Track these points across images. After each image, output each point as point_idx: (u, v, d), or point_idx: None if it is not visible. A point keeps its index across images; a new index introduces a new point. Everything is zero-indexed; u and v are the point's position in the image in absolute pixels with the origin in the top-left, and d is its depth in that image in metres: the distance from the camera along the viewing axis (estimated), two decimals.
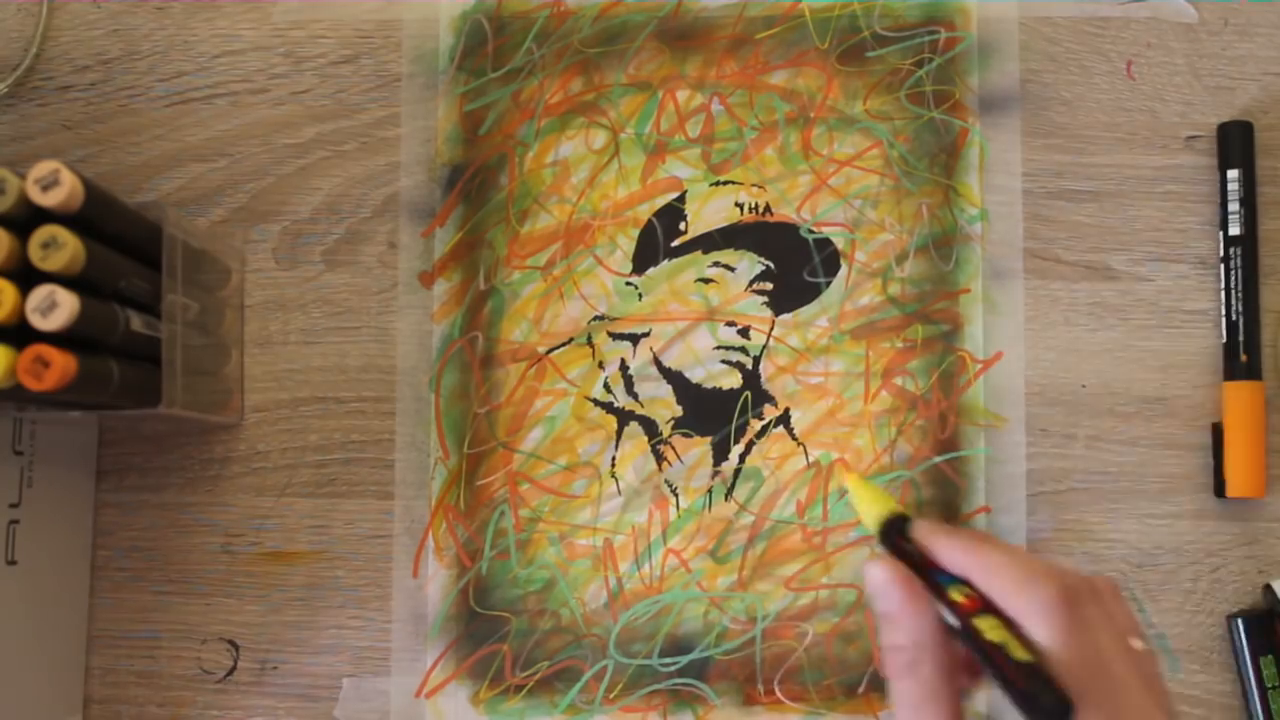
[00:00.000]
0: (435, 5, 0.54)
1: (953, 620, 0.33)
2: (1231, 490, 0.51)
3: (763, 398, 0.53)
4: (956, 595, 0.33)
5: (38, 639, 0.49)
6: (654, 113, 0.54)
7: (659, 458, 0.52)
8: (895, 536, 0.36)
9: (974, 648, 0.32)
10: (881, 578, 0.35)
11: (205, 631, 0.52)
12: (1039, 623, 0.33)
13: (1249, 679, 0.50)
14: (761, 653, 0.51)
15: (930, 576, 0.34)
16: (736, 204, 0.53)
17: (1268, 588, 0.51)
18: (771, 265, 0.53)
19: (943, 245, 0.53)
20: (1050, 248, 0.53)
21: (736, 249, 0.53)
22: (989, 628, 0.32)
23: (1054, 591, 0.33)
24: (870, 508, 0.37)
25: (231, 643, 0.52)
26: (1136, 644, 0.34)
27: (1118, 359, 0.52)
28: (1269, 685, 0.50)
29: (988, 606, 0.33)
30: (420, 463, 0.53)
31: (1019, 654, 0.31)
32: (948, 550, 0.35)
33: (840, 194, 0.53)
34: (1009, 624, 0.33)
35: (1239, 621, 0.50)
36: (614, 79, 0.54)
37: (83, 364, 0.40)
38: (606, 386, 0.53)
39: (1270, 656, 0.50)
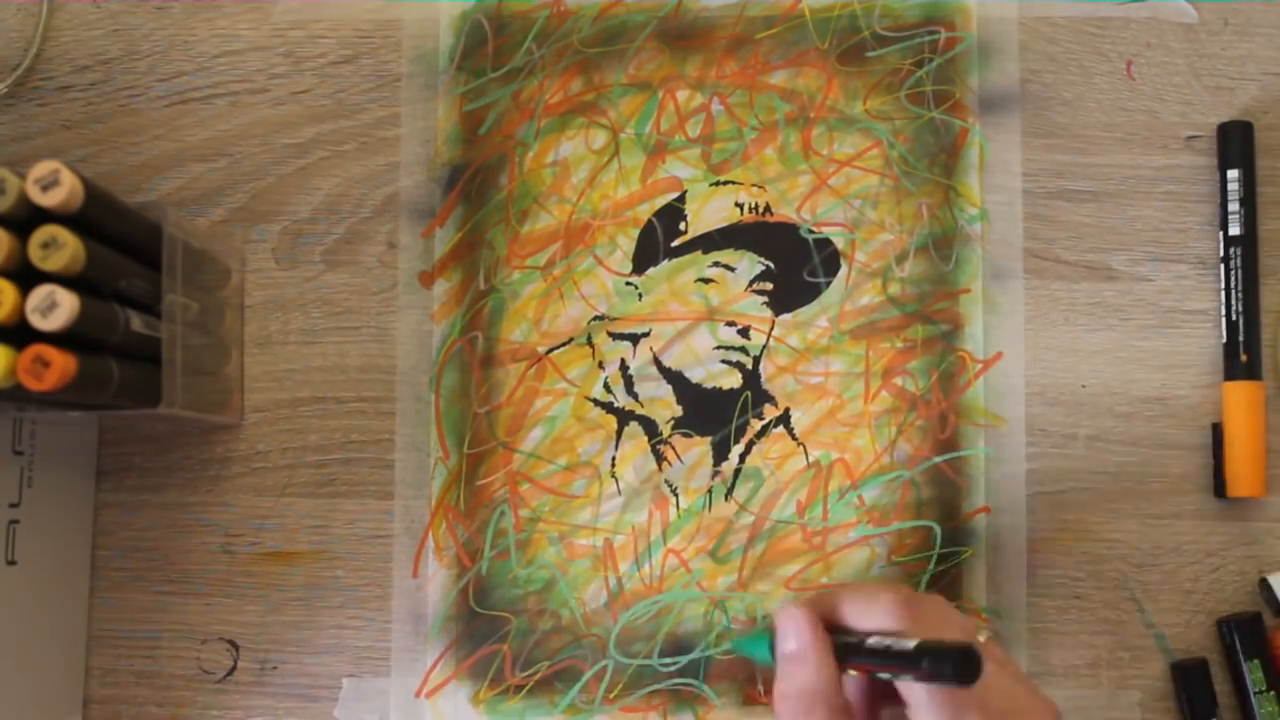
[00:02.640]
0: (435, 5, 0.54)
1: (865, 639, 0.37)
2: (1231, 490, 0.51)
3: (763, 398, 0.53)
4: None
5: (38, 639, 0.49)
6: (654, 113, 0.54)
7: (659, 458, 0.52)
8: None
9: (878, 662, 0.36)
10: (793, 615, 0.38)
11: (205, 631, 0.52)
12: (887, 625, 0.37)
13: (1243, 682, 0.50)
14: None
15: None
16: (736, 204, 0.53)
17: (1264, 582, 0.51)
18: (771, 265, 0.53)
19: (943, 245, 0.53)
20: (1050, 248, 0.53)
21: (736, 249, 0.53)
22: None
23: (892, 598, 0.37)
24: (759, 647, 0.41)
25: (231, 643, 0.52)
26: (980, 636, 0.37)
27: (1118, 359, 0.52)
28: (1256, 690, 0.50)
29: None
30: (420, 463, 0.53)
31: (908, 645, 0.34)
32: (830, 608, 0.39)
33: (840, 194, 0.53)
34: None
35: (1229, 626, 0.50)
36: (614, 79, 0.54)
37: (83, 364, 0.40)
38: (606, 386, 0.53)
39: (1257, 660, 0.50)
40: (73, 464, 0.52)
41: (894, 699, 0.38)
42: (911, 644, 0.34)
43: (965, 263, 0.53)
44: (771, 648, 0.39)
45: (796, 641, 0.37)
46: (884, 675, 0.36)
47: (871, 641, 0.36)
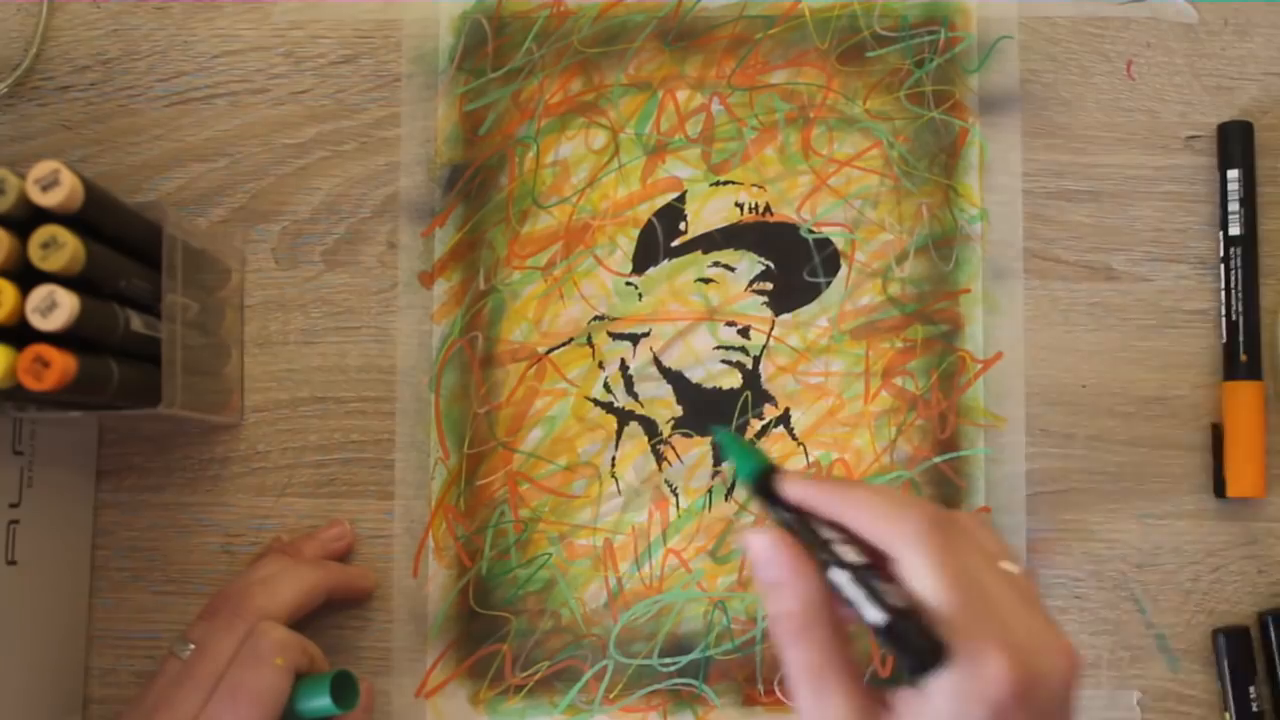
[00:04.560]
0: (435, 5, 0.54)
1: (835, 573, 0.33)
2: (1231, 490, 0.51)
3: (763, 398, 0.53)
4: (832, 543, 0.34)
5: (38, 639, 0.49)
6: (654, 113, 0.54)
7: (659, 458, 0.52)
8: (768, 490, 0.35)
9: (853, 595, 0.32)
10: (764, 546, 0.34)
11: None
12: (910, 549, 0.33)
13: (1226, 692, 0.50)
14: (761, 653, 0.51)
15: (805, 526, 0.34)
16: (736, 204, 0.53)
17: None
18: (771, 265, 0.53)
19: (943, 245, 0.53)
20: (1050, 248, 0.53)
21: (736, 249, 0.53)
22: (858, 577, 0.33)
23: (922, 519, 0.33)
24: (743, 462, 0.36)
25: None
26: (1009, 567, 0.35)
27: (1118, 359, 0.52)
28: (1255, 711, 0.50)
29: (863, 550, 0.34)
30: (420, 463, 0.53)
31: (894, 600, 0.32)
32: (818, 498, 0.35)
33: (840, 194, 0.53)
34: (883, 564, 0.33)
35: (1221, 637, 0.51)
36: (614, 79, 0.54)
37: (83, 364, 0.40)
38: (606, 386, 0.53)
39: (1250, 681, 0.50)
40: (73, 464, 0.52)
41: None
42: (882, 616, 0.32)
43: (965, 263, 0.53)
44: (754, 476, 0.36)
45: (773, 573, 0.34)
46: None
47: (839, 580, 0.33)
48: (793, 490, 0.35)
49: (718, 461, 0.52)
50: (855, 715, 0.34)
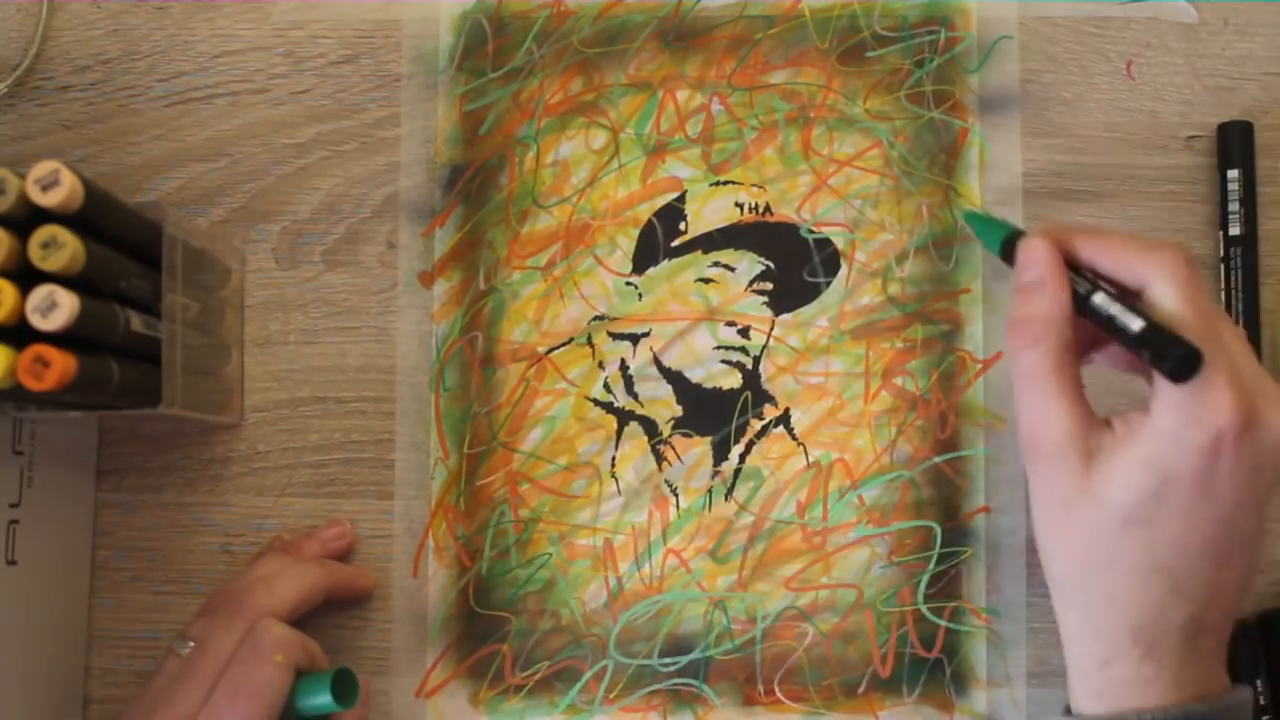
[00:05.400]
0: (435, 5, 0.54)
1: (1098, 297, 0.36)
2: None
3: (763, 398, 0.53)
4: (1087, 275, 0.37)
5: (38, 639, 0.49)
6: (654, 113, 0.54)
7: (659, 458, 0.52)
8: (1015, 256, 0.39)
9: (1110, 315, 0.35)
10: (1037, 246, 0.37)
11: None
12: (1163, 279, 0.35)
13: None
14: (761, 653, 0.51)
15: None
16: (736, 204, 0.53)
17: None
18: (771, 265, 0.53)
19: (943, 245, 0.53)
20: None
21: (736, 249, 0.53)
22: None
23: (1177, 255, 0.36)
24: (990, 235, 0.41)
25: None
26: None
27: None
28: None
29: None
30: (420, 463, 0.53)
31: (1153, 316, 0.34)
32: (1071, 244, 0.38)
33: (840, 194, 0.53)
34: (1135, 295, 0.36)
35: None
36: (614, 79, 0.54)
37: (83, 364, 0.40)
38: (606, 386, 0.53)
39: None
40: (73, 464, 0.52)
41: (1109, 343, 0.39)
42: (1138, 324, 0.34)
43: (965, 263, 0.53)
44: (1003, 243, 0.40)
45: (1036, 272, 0.37)
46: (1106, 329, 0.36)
47: (1098, 300, 0.36)
48: (1044, 243, 0.38)
49: (717, 462, 0.52)
50: (1078, 424, 0.36)
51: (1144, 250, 0.36)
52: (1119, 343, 0.35)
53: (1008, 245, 0.40)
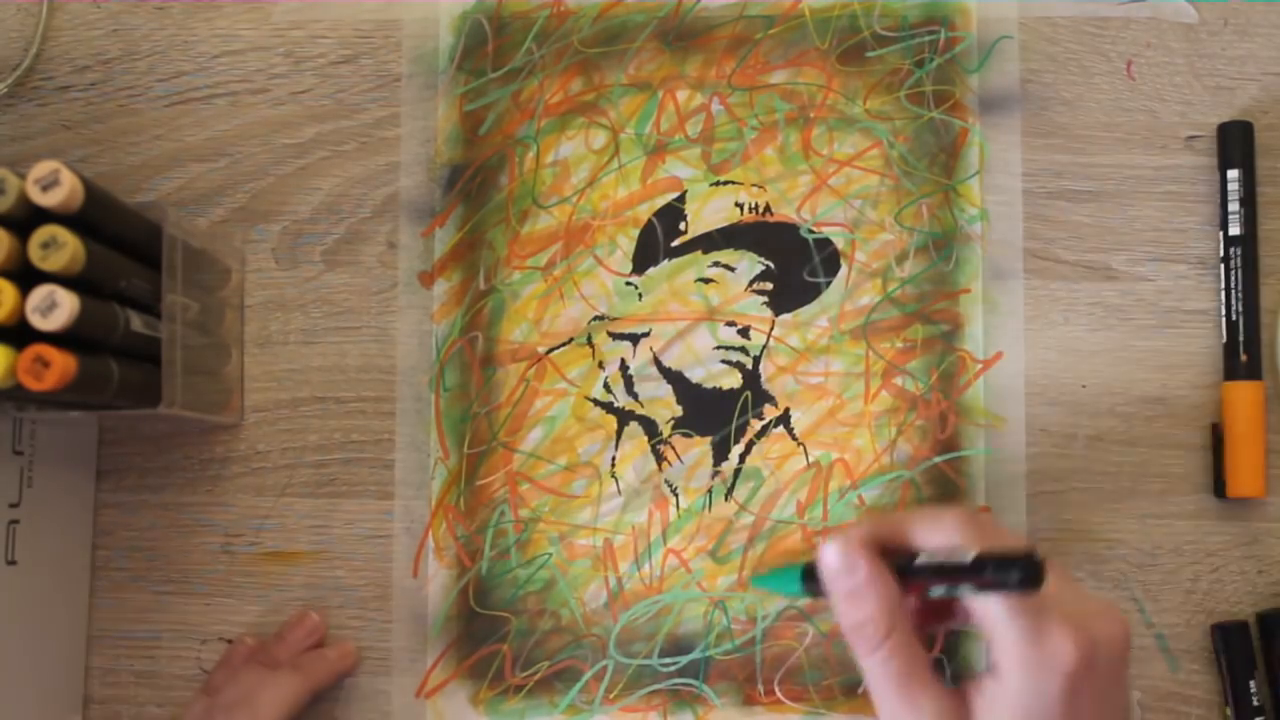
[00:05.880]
0: (435, 5, 0.54)
1: (913, 560, 0.35)
2: (1231, 490, 0.51)
3: (763, 398, 0.53)
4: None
5: (38, 639, 0.49)
6: (654, 113, 0.54)
7: (659, 458, 0.52)
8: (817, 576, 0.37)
9: (938, 564, 0.34)
10: (837, 555, 0.36)
11: (205, 631, 0.52)
12: (958, 534, 0.35)
13: (1226, 686, 0.50)
14: (761, 653, 0.51)
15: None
16: (736, 204, 0.53)
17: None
18: (771, 265, 0.53)
19: (943, 245, 0.53)
20: (1050, 248, 0.53)
21: (736, 249, 0.53)
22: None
23: (958, 515, 0.36)
24: (784, 582, 0.38)
25: (231, 643, 0.52)
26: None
27: (1118, 359, 0.52)
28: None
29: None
30: (420, 463, 0.53)
31: (966, 557, 0.34)
32: (862, 537, 0.36)
33: (840, 194, 0.53)
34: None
35: (1218, 632, 0.51)
36: (614, 79, 0.54)
37: (83, 364, 0.40)
38: (606, 386, 0.53)
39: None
40: (73, 464, 0.52)
41: (941, 618, 0.38)
42: (969, 555, 0.33)
43: (965, 263, 0.53)
44: (803, 580, 0.38)
45: (850, 576, 0.36)
46: (939, 593, 0.35)
47: (923, 559, 0.35)
48: (841, 545, 0.36)
49: (717, 462, 0.52)
50: (946, 714, 0.35)
51: (927, 518, 0.36)
52: (955, 592, 0.35)
53: (808, 573, 0.37)
